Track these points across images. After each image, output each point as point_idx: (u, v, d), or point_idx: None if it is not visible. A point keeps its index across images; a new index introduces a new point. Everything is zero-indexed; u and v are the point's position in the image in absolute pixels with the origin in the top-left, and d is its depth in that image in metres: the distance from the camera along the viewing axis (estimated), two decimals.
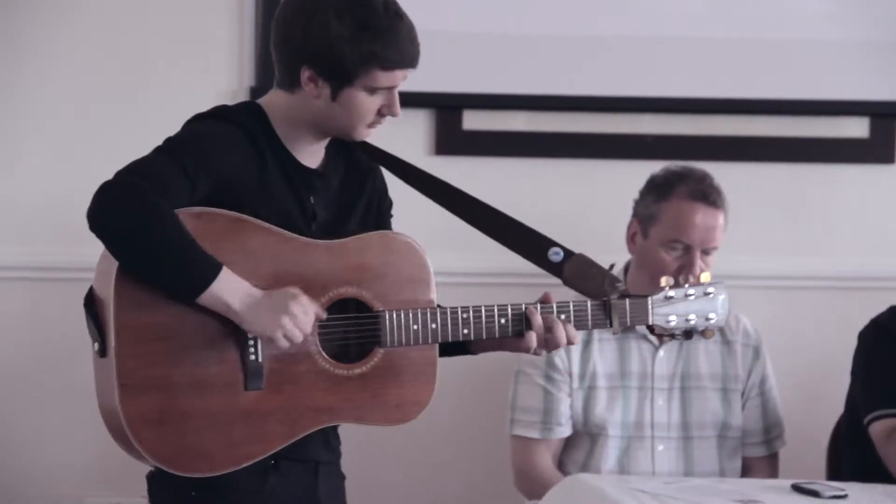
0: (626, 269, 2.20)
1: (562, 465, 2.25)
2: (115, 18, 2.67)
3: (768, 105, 2.70)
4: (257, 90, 2.52)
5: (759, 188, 2.66)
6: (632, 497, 1.88)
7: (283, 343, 1.35)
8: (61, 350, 2.67)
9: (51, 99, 2.72)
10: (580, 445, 2.21)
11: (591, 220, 2.52)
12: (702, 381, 2.20)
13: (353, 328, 1.47)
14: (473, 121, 2.65)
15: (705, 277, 1.70)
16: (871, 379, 2.16)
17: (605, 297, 1.57)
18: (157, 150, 1.40)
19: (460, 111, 2.63)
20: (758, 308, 2.47)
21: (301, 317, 1.36)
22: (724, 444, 2.22)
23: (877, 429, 2.07)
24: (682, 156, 2.39)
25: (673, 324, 1.62)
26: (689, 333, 1.65)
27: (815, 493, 1.86)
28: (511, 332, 1.54)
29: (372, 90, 1.46)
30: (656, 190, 2.19)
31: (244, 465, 1.42)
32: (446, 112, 2.62)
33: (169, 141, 1.41)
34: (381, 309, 1.45)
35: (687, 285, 1.66)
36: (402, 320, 1.46)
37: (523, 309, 1.55)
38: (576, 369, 2.24)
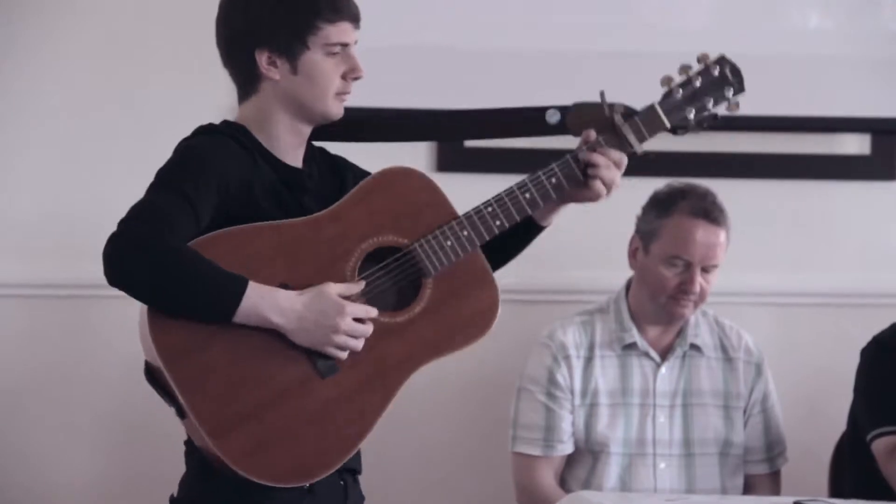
0: (628, 285, 2.18)
1: (563, 483, 2.23)
2: (114, 34, 2.68)
3: (769, 122, 2.66)
4: None
5: (761, 205, 2.65)
6: None
7: (342, 356, 1.35)
8: (61, 367, 2.66)
9: (49, 114, 2.72)
10: (582, 462, 2.20)
11: (591, 236, 2.50)
12: (703, 398, 2.20)
13: (393, 274, 1.46)
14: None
15: (705, 56, 1.68)
16: (873, 396, 2.15)
17: (612, 124, 1.57)
18: (152, 187, 1.40)
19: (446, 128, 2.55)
20: (759, 324, 2.48)
21: (352, 328, 1.35)
22: (725, 462, 2.21)
23: (879, 446, 2.06)
24: (684, 172, 2.40)
25: (692, 116, 1.60)
26: (713, 118, 1.63)
27: None
28: (562, 188, 1.55)
29: (328, 50, 1.46)
30: (658, 206, 2.20)
31: (354, 450, 1.43)
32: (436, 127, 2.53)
33: (161, 173, 1.41)
34: (408, 243, 1.45)
35: (690, 71, 1.63)
36: (434, 244, 1.46)
37: (540, 174, 1.56)
38: (577, 386, 2.23)
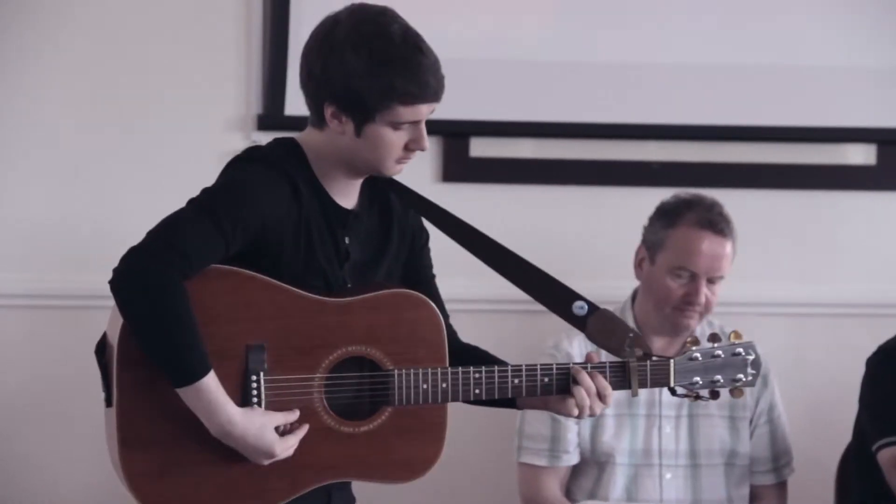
0: (634, 296, 2.19)
1: (569, 493, 2.23)
2: (121, 45, 2.67)
3: (774, 132, 2.70)
4: (264, 118, 2.57)
5: (767, 215, 2.66)
6: None
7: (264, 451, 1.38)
8: (62, 377, 2.66)
9: (55, 124, 2.72)
10: (588, 473, 2.20)
11: (597, 247, 2.54)
12: (709, 408, 2.17)
13: (361, 386, 1.47)
14: (480, 148, 2.66)
15: (735, 336, 1.66)
16: (879, 406, 2.14)
17: (625, 357, 1.56)
18: (194, 205, 1.40)
19: (467, 138, 2.65)
20: (766, 335, 2.35)
21: (279, 454, 1.38)
22: (731, 472, 2.22)
23: (884, 456, 2.06)
24: (689, 183, 2.42)
25: (698, 387, 1.60)
26: (715, 394, 1.62)
27: None
28: (540, 391, 1.55)
29: (396, 125, 1.43)
30: (665, 217, 2.21)
31: None
32: (453, 139, 2.64)
33: (206, 193, 1.42)
34: (391, 368, 1.45)
35: (715, 345, 1.62)
36: (412, 380, 1.46)
37: (537, 368, 1.55)
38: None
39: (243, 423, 1.35)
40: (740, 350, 1.61)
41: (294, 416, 1.41)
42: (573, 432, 2.21)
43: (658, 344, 2.22)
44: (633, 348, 1.55)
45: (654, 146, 2.72)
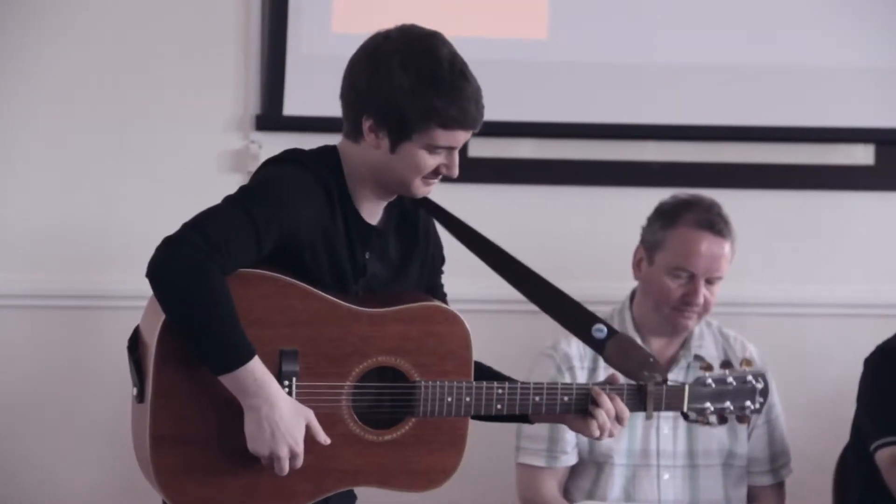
0: (632, 296, 2.19)
1: (567, 494, 2.23)
2: (120, 47, 2.66)
3: (773, 132, 2.70)
4: (263, 118, 2.57)
5: (766, 215, 2.66)
6: None
7: (261, 461, 1.39)
8: (63, 377, 2.68)
9: (55, 126, 2.71)
10: (586, 473, 2.20)
11: (596, 247, 2.53)
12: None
13: (387, 395, 1.48)
14: (479, 148, 2.56)
15: (746, 364, 1.70)
16: (877, 406, 2.13)
17: (642, 381, 1.58)
18: (231, 201, 1.41)
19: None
20: (765, 335, 2.45)
21: (283, 465, 1.38)
22: (729, 473, 2.21)
23: (882, 456, 2.06)
24: (688, 183, 2.41)
25: (708, 412, 1.63)
26: (723, 420, 1.65)
27: None
28: (559, 409, 1.57)
29: (431, 148, 1.44)
30: (663, 217, 2.21)
31: None
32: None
33: (242, 190, 1.43)
34: (417, 379, 1.47)
35: (728, 372, 1.64)
36: (437, 392, 1.48)
37: (558, 387, 1.58)
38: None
39: (285, 408, 1.37)
40: (751, 379, 1.64)
41: (323, 436, 1.44)
42: (571, 433, 2.17)
43: (656, 344, 2.24)
44: (652, 373, 1.58)
45: (653, 146, 2.70)
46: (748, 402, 1.65)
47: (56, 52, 2.68)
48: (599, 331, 1.61)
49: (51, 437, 2.67)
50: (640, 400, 1.59)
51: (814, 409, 2.56)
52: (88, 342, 2.85)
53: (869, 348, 2.20)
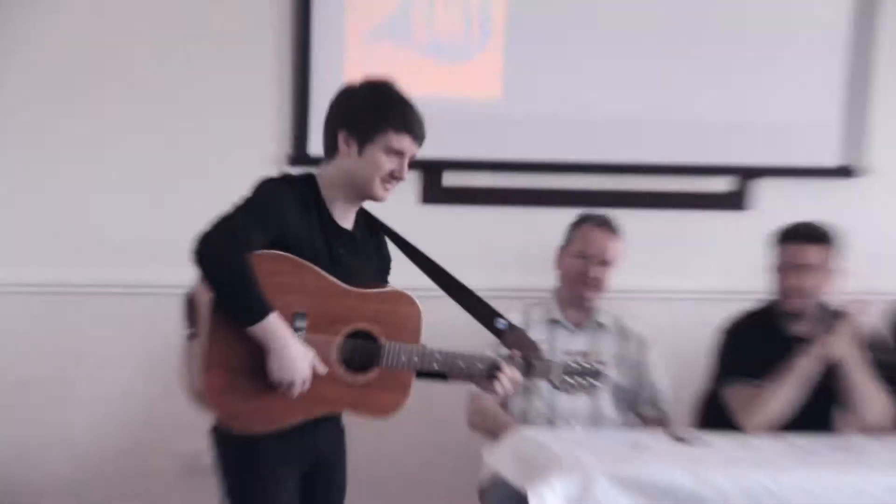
0: (557, 288, 2.62)
1: (505, 409, 2.56)
2: (185, 96, 2.96)
3: (658, 168, 3.16)
4: (292, 155, 2.89)
5: (651, 227, 3.05)
6: (558, 440, 2.24)
7: (274, 385, 1.69)
8: (58, 364, 2.92)
9: (125, 154, 3.00)
10: (518, 396, 2.50)
11: (536, 251, 2.89)
12: (604, 357, 2.39)
13: (365, 350, 1.81)
14: (450, 179, 3.08)
15: (594, 355, 2.16)
16: (724, 359, 2.51)
17: (530, 360, 1.95)
18: (236, 206, 1.70)
19: (441, 171, 3.05)
20: (648, 314, 2.87)
21: (293, 391, 1.69)
22: (621, 404, 2.60)
23: (727, 394, 2.43)
24: (597, 204, 2.85)
25: (566, 384, 2.02)
26: (570, 388, 2.06)
27: (683, 440, 2.22)
28: (477, 376, 1.91)
29: (388, 150, 1.75)
30: (574, 224, 2.59)
31: (274, 428, 1.76)
32: (430, 172, 3.02)
33: (247, 199, 1.71)
34: (384, 341, 1.80)
35: (581, 360, 2.07)
36: (396, 351, 1.81)
37: (495, 360, 1.91)
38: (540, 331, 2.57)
39: (296, 349, 1.69)
40: (595, 366, 2.07)
41: (322, 367, 1.73)
42: None
43: (571, 313, 2.62)
44: (537, 355, 1.98)
45: (574, 178, 3.09)
46: (586, 382, 2.07)
47: (121, 94, 2.95)
48: (501, 323, 2.00)
49: (44, 423, 2.91)
50: (529, 372, 1.96)
51: (683, 369, 2.81)
52: (80, 330, 3.05)
53: (721, 322, 2.59)
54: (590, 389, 2.12)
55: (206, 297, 1.68)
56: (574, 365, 2.04)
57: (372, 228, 1.95)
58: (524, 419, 2.56)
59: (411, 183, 3.01)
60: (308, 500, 1.96)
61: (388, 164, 1.78)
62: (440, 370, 1.92)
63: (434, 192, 3.09)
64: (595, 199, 2.99)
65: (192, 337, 1.75)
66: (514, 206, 3.12)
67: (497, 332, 2.00)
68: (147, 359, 2.85)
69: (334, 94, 1.86)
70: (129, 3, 3.06)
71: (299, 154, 2.93)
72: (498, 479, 2.39)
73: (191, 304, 1.78)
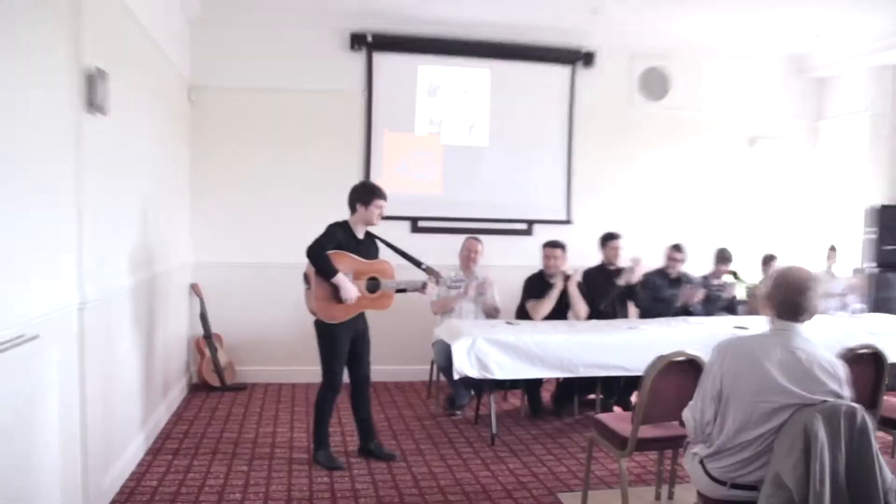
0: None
1: (445, 307, 5.81)
2: (309, 159, 6.31)
3: (500, 220, 6.76)
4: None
5: (501, 244, 6.71)
6: (468, 328, 5.18)
7: (350, 300, 4.34)
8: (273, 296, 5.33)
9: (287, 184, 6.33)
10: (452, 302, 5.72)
11: (453, 248, 6.17)
12: (478, 281, 5.97)
13: (373, 284, 4.49)
14: (421, 223, 6.66)
15: (461, 281, 5.09)
16: (526, 291, 5.75)
17: (436, 277, 4.67)
18: (323, 234, 4.32)
19: (417, 221, 6.65)
20: (504, 276, 6.15)
21: (356, 302, 4.36)
22: (478, 304, 5.91)
23: (527, 305, 5.63)
24: (479, 232, 6.37)
25: (453, 285, 5.11)
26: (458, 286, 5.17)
27: (511, 323, 5.73)
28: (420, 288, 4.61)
29: (376, 206, 4.41)
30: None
31: (342, 320, 4.40)
32: (414, 220, 6.65)
33: (325, 232, 4.35)
34: (381, 280, 4.50)
35: (452, 273, 5.11)
36: (386, 284, 4.52)
37: (424, 281, 4.61)
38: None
39: (350, 286, 4.33)
40: (461, 277, 5.11)
41: (357, 293, 4.35)
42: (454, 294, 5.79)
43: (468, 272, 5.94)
44: (436, 274, 4.69)
45: (468, 223, 6.60)
46: (461, 283, 5.11)
47: (274, 150, 6.32)
48: (422, 265, 4.64)
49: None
50: (436, 283, 4.68)
51: (511, 294, 6.04)
52: (276, 280, 6.22)
53: (523, 277, 5.97)
54: (461, 286, 5.14)
55: (312, 270, 4.28)
56: (454, 276, 5.03)
57: (370, 236, 4.50)
58: (452, 312, 5.75)
59: (406, 224, 6.58)
60: (355, 348, 4.53)
61: (377, 211, 4.39)
62: (403, 288, 4.55)
63: (415, 228, 6.79)
64: (475, 231, 6.48)
65: (308, 288, 4.38)
66: (447, 234, 6.64)
67: (423, 269, 4.63)
68: (295, 296, 4.94)
69: (352, 187, 4.45)
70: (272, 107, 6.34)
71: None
72: (439, 340, 5.34)
73: (305, 276, 4.39)
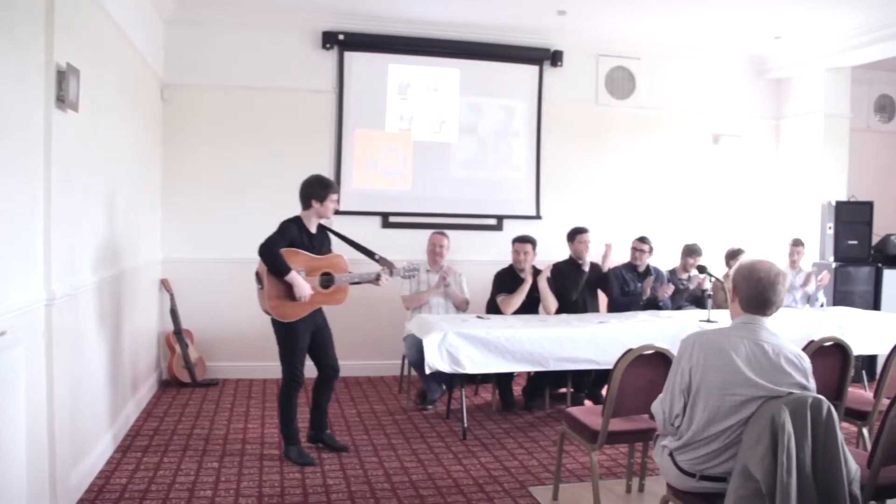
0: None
1: (416, 302, 5.84)
2: (278, 158, 5.90)
3: (472, 214, 6.85)
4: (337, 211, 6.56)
5: (468, 238, 6.78)
6: (438, 323, 5.18)
7: (304, 298, 4.26)
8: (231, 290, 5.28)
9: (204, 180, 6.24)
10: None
11: (420, 244, 6.10)
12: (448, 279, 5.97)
13: (327, 280, 4.41)
14: (392, 218, 6.68)
15: (415, 270, 4.96)
16: (496, 285, 5.76)
17: (390, 268, 4.65)
18: (275, 232, 4.24)
19: (388, 216, 6.69)
20: (472, 269, 6.33)
21: (307, 298, 4.26)
22: (447, 299, 5.91)
23: (497, 299, 5.67)
24: (447, 227, 6.44)
25: (406, 275, 4.89)
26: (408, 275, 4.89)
27: (482, 317, 5.81)
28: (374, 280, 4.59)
29: (331, 199, 4.36)
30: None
31: (299, 318, 4.33)
32: (384, 216, 6.67)
33: (278, 230, 4.27)
34: (334, 275, 4.43)
35: (404, 265, 4.80)
36: (339, 278, 4.44)
37: (378, 272, 4.58)
38: (423, 276, 5.92)
39: (303, 283, 4.26)
40: (416, 266, 4.99)
41: (311, 290, 4.26)
42: (423, 289, 5.87)
43: (434, 269, 5.95)
44: (389, 266, 4.68)
45: (437, 219, 6.63)
46: (414, 272, 4.92)
47: (251, 149, 5.75)
48: (376, 255, 4.62)
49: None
50: (390, 274, 4.62)
51: (484, 288, 6.20)
52: (247, 276, 5.27)
53: (494, 272, 6.19)
54: (414, 274, 4.93)
55: (263, 269, 4.20)
56: (407, 266, 4.85)
57: (322, 229, 4.44)
58: (423, 307, 5.79)
59: (376, 220, 6.60)
60: (317, 341, 4.48)
61: (332, 205, 4.37)
62: (357, 281, 4.51)
63: (386, 224, 6.83)
64: (445, 226, 6.54)
65: (261, 287, 4.28)
66: (418, 229, 6.64)
67: (376, 260, 4.61)
68: (247, 287, 4.69)
69: (305, 181, 4.33)
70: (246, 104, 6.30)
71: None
72: (410, 334, 5.40)
73: (258, 275, 4.31)
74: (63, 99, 3.47)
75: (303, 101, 6.59)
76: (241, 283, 6.15)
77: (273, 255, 4.18)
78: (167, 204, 6.44)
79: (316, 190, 4.36)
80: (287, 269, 4.20)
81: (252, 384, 6.40)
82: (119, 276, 4.84)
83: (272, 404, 5.76)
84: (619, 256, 6.49)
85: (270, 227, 4.39)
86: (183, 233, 6.44)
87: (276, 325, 4.37)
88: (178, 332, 6.25)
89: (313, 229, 4.44)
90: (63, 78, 3.46)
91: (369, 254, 4.61)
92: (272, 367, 6.02)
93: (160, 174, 6.37)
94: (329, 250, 4.54)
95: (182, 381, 6.25)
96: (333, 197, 4.39)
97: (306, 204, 4.37)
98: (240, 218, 6.46)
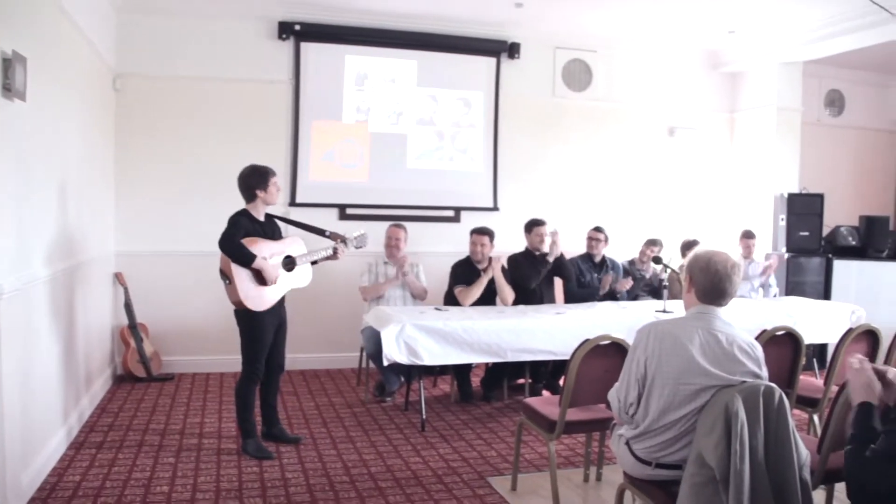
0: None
1: (374, 293, 5.81)
2: (219, 139, 5.04)
3: (430, 206, 6.87)
4: (291, 202, 6.31)
5: (426, 230, 6.79)
6: (396, 314, 5.11)
7: (274, 281, 4.32)
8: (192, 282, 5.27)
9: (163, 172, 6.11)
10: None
11: (379, 232, 6.15)
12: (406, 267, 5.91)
13: (289, 261, 4.49)
14: (349, 210, 6.58)
15: (363, 239, 4.89)
16: (453, 276, 5.85)
17: (344, 241, 4.74)
18: (229, 226, 4.22)
19: (346, 208, 6.61)
20: (431, 262, 6.30)
21: (275, 280, 4.32)
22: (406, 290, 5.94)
23: (455, 290, 5.71)
24: (404, 219, 6.43)
25: (357, 245, 4.89)
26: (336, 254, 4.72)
27: (440, 309, 5.95)
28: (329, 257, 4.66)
29: (273, 185, 4.41)
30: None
31: (266, 308, 4.35)
32: (342, 208, 6.62)
33: (229, 223, 4.26)
34: (295, 257, 4.53)
35: (354, 234, 4.81)
36: (301, 259, 4.55)
37: (335, 248, 4.65)
38: (381, 268, 5.92)
39: (270, 267, 4.31)
40: (363, 237, 4.91)
41: (277, 271, 4.34)
42: (381, 280, 5.85)
43: (392, 260, 5.90)
44: (342, 240, 4.76)
45: (393, 210, 6.60)
46: (363, 243, 4.90)
47: (205, 143, 5.43)
48: (327, 232, 4.73)
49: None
50: (345, 245, 4.70)
51: (441, 278, 6.22)
52: (203, 269, 5.01)
53: (453, 262, 6.23)
54: (366, 242, 4.88)
55: (228, 264, 4.19)
56: (357, 235, 4.88)
57: (270, 218, 4.51)
58: (380, 298, 5.81)
59: (334, 211, 6.56)
60: (274, 337, 4.48)
61: (275, 190, 4.43)
62: (316, 260, 4.62)
63: (343, 216, 6.83)
64: (402, 218, 6.53)
65: (228, 283, 4.28)
66: (376, 221, 6.59)
67: (327, 237, 4.73)
68: (211, 280, 4.65)
69: (242, 174, 4.36)
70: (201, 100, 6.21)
71: (293, 201, 6.46)
72: (368, 326, 5.36)
73: (222, 271, 4.27)
74: (9, 87, 3.39)
75: (259, 91, 6.52)
76: (196, 276, 6.27)
77: (235, 245, 4.19)
78: (120, 196, 6.33)
79: (256, 180, 4.39)
80: (252, 257, 4.21)
81: (209, 378, 6.34)
82: (72, 269, 4.75)
83: (229, 398, 5.69)
84: (576, 248, 6.49)
85: (225, 220, 4.35)
86: (137, 225, 6.33)
87: (242, 317, 4.36)
88: (133, 327, 6.16)
89: (262, 218, 4.46)
90: (9, 66, 3.38)
91: (319, 232, 4.68)
92: (228, 361, 6.16)
93: (113, 166, 6.26)
94: (281, 236, 4.57)
95: (137, 375, 6.17)
96: (274, 181, 4.44)
97: (250, 196, 4.40)
98: (194, 210, 6.36)
